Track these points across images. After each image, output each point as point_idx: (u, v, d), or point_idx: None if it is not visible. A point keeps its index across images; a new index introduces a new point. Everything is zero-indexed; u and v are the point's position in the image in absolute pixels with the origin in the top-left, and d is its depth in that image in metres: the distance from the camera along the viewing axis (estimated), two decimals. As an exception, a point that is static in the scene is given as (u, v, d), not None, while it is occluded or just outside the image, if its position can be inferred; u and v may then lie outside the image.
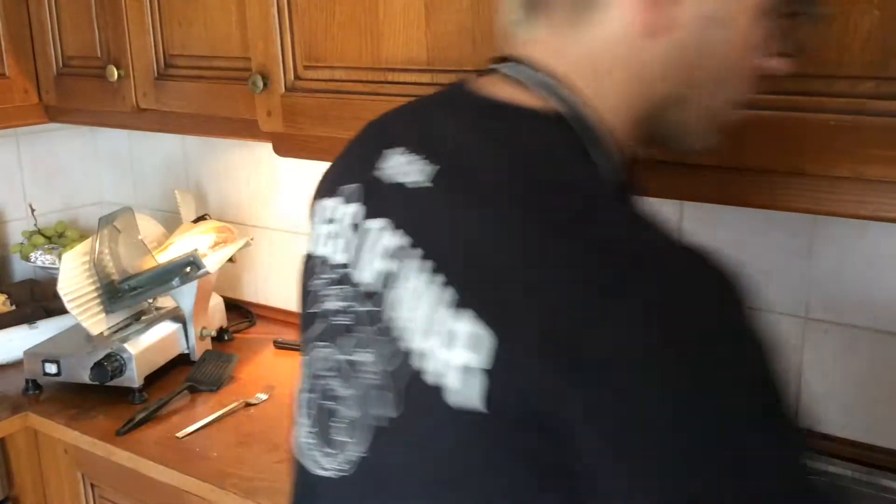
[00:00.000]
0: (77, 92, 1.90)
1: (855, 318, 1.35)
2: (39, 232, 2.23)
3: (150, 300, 1.83)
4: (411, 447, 0.71)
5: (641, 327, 0.60)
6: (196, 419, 1.61)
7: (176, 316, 1.84)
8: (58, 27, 1.90)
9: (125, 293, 1.76)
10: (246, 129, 1.61)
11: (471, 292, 0.66)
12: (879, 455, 1.36)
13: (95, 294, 1.74)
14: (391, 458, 0.74)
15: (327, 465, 0.80)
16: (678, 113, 0.77)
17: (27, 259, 2.18)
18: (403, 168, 0.76)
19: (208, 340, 1.88)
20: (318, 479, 0.81)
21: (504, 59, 0.78)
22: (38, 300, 2.05)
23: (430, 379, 0.67)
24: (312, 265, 0.85)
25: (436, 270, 0.68)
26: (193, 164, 2.23)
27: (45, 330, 1.88)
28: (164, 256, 1.82)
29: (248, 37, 1.53)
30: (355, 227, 0.79)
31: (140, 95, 1.76)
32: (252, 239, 1.99)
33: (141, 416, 1.60)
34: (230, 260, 1.90)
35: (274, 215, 2.09)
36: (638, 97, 0.75)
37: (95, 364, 1.65)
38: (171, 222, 2.05)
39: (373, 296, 0.74)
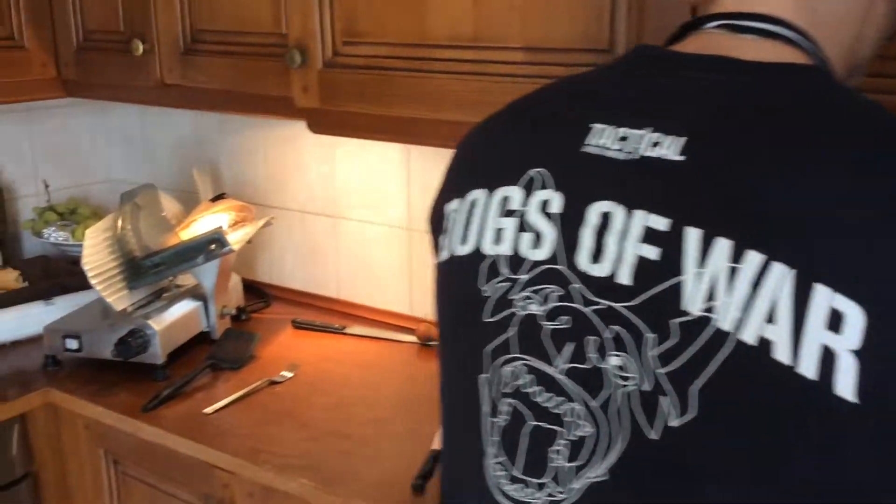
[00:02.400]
0: (98, 66, 1.88)
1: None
2: (52, 208, 2.20)
3: (171, 278, 1.82)
4: (715, 459, 0.62)
5: None
6: (220, 397, 1.60)
7: (196, 294, 1.83)
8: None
9: (148, 270, 1.74)
10: (276, 106, 1.59)
11: (811, 263, 0.58)
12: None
13: (118, 270, 1.73)
14: (664, 476, 0.64)
15: (529, 499, 0.70)
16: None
17: (39, 235, 2.16)
18: (625, 145, 0.68)
19: (228, 319, 1.87)
20: None
21: (710, 18, 0.74)
22: (51, 276, 2.02)
23: (761, 370, 0.59)
24: (482, 266, 0.74)
25: (743, 247, 0.60)
26: (206, 143, 2.21)
27: (61, 306, 1.86)
28: (186, 234, 1.81)
29: (280, 12, 1.52)
30: (558, 216, 0.70)
31: (165, 70, 1.74)
32: (273, 219, 1.98)
33: (167, 392, 1.59)
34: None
35: (289, 196, 2.08)
36: (852, 51, 0.77)
37: (119, 340, 1.63)
38: (184, 201, 2.03)
39: (617, 289, 0.65)
